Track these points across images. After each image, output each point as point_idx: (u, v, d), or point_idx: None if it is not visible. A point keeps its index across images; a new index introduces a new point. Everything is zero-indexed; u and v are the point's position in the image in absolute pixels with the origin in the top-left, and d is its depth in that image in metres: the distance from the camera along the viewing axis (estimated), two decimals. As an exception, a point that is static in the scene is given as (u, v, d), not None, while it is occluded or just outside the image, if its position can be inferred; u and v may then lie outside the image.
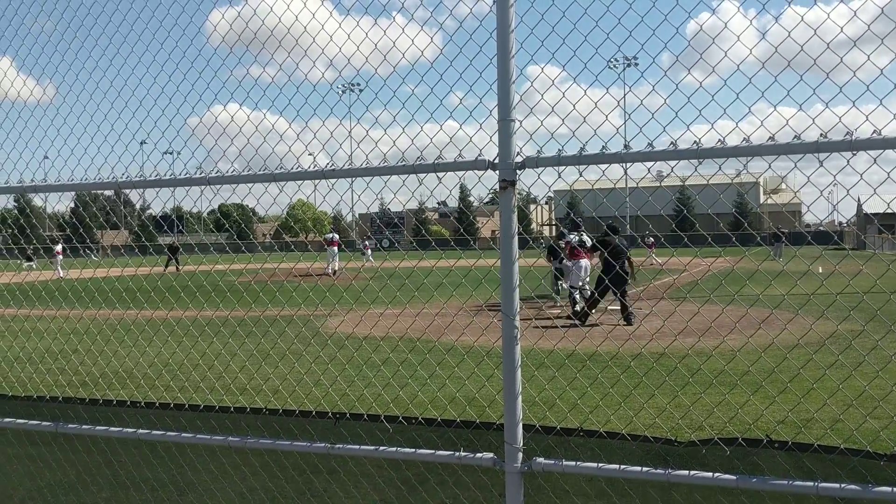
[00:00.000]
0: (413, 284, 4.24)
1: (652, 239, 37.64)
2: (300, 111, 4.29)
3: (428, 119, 4.00)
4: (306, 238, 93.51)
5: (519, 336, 3.47)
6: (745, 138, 3.10)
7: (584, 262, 16.68)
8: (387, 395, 7.19)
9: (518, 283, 3.47)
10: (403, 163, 3.72)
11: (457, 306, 13.55)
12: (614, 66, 4.45)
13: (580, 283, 16.53)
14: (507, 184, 3.45)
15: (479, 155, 3.52)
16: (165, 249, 41.79)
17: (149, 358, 9.69)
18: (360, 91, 4.99)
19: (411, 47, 3.86)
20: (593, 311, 15.25)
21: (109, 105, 4.58)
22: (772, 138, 3.05)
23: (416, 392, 7.52)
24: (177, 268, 34.57)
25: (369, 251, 41.19)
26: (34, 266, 36.68)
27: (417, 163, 3.65)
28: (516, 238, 3.46)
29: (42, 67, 4.85)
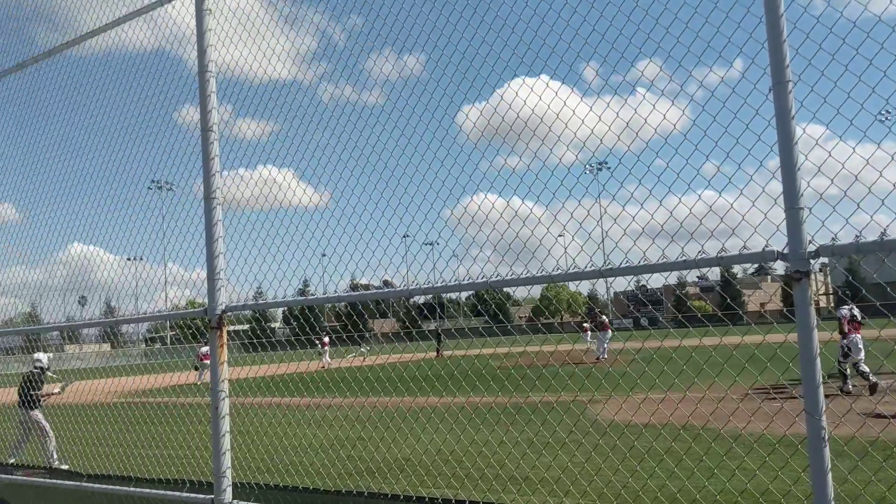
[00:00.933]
0: (684, 366, 4.10)
1: None
2: (548, 194, 4.38)
3: (684, 191, 3.93)
4: (561, 320, 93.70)
5: (827, 437, 3.24)
6: None
7: (858, 335, 16.10)
8: (672, 486, 6.91)
9: (821, 379, 3.25)
10: (683, 256, 3.67)
11: (740, 390, 12.80)
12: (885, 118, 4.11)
13: (859, 358, 15.85)
14: (801, 275, 3.29)
15: (767, 245, 3.40)
16: (433, 335, 43.51)
17: (434, 446, 10.10)
18: (608, 169, 5.04)
19: (659, 124, 3.88)
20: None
21: (376, 203, 5.08)
22: None
23: (703, 483, 7.16)
24: (439, 352, 35.79)
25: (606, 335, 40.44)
26: (365, 352, 38.93)
27: (700, 257, 3.59)
28: (816, 331, 3.27)
29: (318, 176, 5.49)
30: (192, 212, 6.46)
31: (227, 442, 5.32)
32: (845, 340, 15.90)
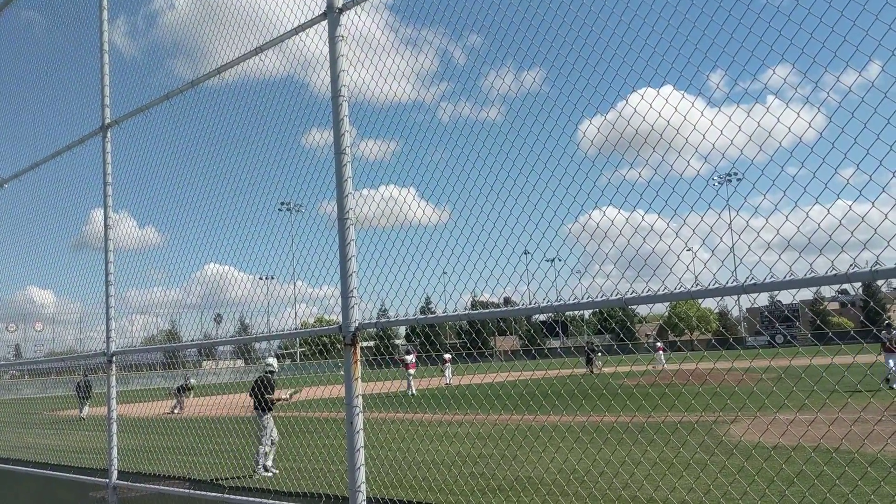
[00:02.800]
0: (817, 386, 3.87)
1: None
2: (672, 205, 4.24)
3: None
4: (692, 336, 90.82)
5: None
6: None
7: None
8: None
9: None
10: (833, 270, 3.48)
11: (877, 411, 12.06)
12: None
13: None
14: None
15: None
16: (582, 354, 43.05)
17: (557, 464, 9.99)
18: (739, 180, 4.86)
19: (791, 131, 3.70)
20: None
21: (496, 218, 5.07)
22: None
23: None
24: (591, 370, 35.39)
25: (662, 353, 38.85)
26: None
27: (851, 271, 3.38)
28: None
29: (439, 192, 5.53)
30: (320, 231, 6.69)
31: (361, 457, 5.42)
32: None
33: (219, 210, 7.69)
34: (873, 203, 3.45)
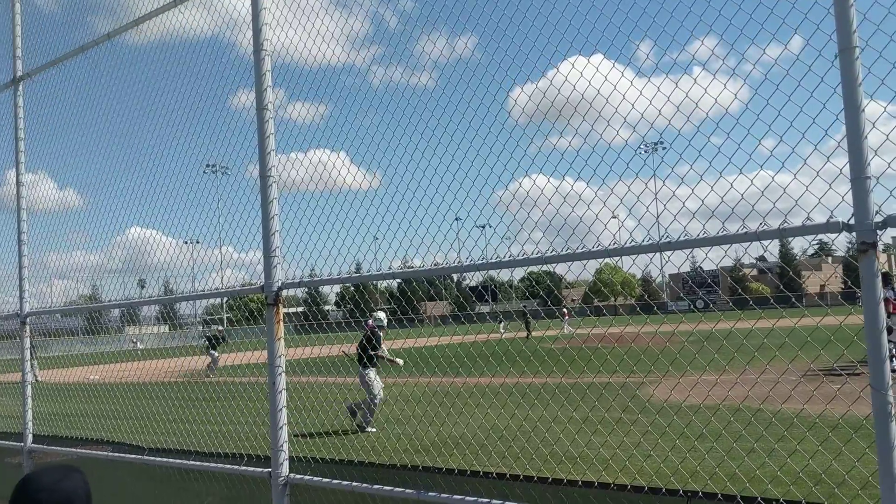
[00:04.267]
0: (747, 346, 4.03)
1: None
2: (600, 174, 4.32)
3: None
4: (615, 301, 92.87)
5: (894, 411, 3.15)
6: None
7: None
8: (732, 465, 6.80)
9: (888, 352, 3.17)
10: (744, 228, 3.60)
11: (801, 370, 12.53)
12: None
13: None
14: (868, 246, 3.19)
15: (831, 217, 3.30)
16: (519, 318, 43.41)
17: (484, 427, 10.14)
18: (663, 149, 4.96)
19: (715, 101, 3.80)
20: None
21: (427, 185, 5.07)
22: None
23: (762, 462, 7.04)
24: (528, 334, 35.77)
25: (566, 319, 39.99)
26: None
27: (761, 229, 3.51)
28: (882, 304, 3.18)
29: (370, 157, 5.51)
30: (246, 194, 6.57)
31: (283, 416, 5.40)
32: (889, 320, 16.34)
33: (142, 172, 7.47)
34: (795, 175, 3.59)
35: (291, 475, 5.44)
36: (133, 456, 7.05)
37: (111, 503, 7.32)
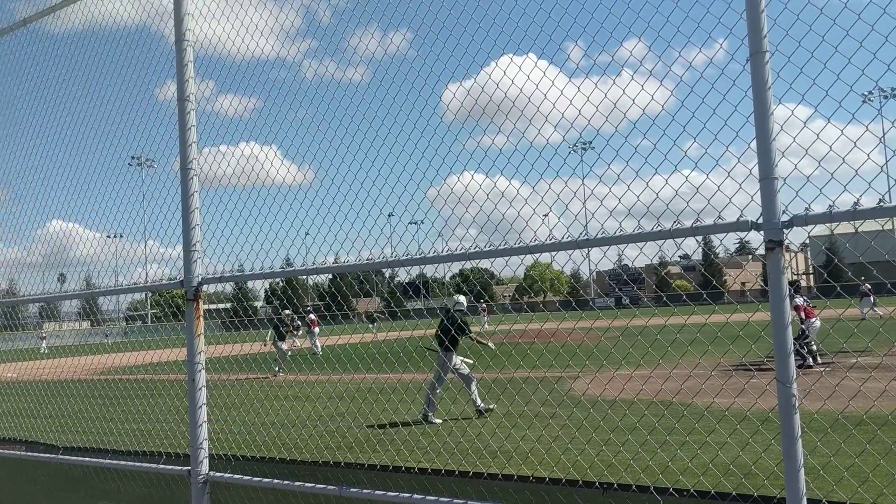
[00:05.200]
0: (661, 342, 4.13)
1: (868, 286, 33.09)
2: (532, 173, 4.38)
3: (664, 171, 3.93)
4: (544, 298, 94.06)
5: (797, 404, 3.27)
6: None
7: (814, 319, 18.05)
8: (646, 457, 6.98)
9: (791, 348, 3.29)
10: (659, 226, 3.69)
11: (714, 365, 12.98)
12: (869, 100, 4.13)
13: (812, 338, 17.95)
14: (774, 244, 3.30)
15: (741, 216, 3.41)
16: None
17: (409, 420, 10.16)
18: (592, 149, 5.06)
19: (643, 103, 3.88)
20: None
21: (359, 180, 5.05)
22: None
23: (674, 453, 7.23)
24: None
25: (486, 317, 40.54)
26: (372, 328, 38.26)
27: (675, 227, 3.60)
28: (788, 301, 3.29)
29: (301, 152, 5.44)
30: (172, 188, 6.41)
31: (203, 414, 5.30)
32: (804, 325, 17.58)
33: (65, 164, 7.22)
34: (707, 175, 3.69)
35: (211, 473, 5.35)
36: (47, 455, 6.83)
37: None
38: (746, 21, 3.44)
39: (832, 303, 3.63)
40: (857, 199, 3.22)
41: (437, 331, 13.08)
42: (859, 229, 3.61)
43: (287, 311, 25.92)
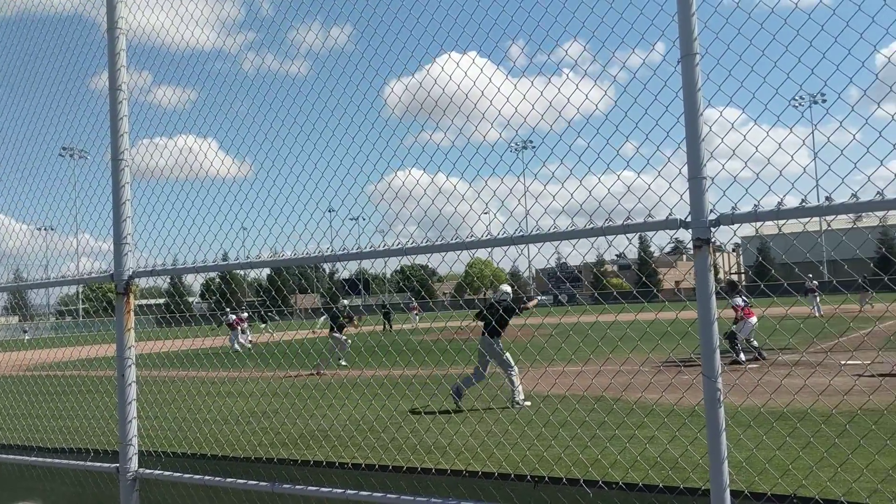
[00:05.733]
0: (599, 339, 4.21)
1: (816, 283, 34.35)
2: (474, 170, 4.41)
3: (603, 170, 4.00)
4: (485, 295, 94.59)
5: (722, 398, 3.36)
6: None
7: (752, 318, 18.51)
8: (584, 457, 7.08)
9: (718, 343, 3.38)
10: (591, 224, 3.75)
11: (647, 361, 13.25)
12: (798, 104, 4.28)
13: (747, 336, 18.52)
14: (702, 242, 3.39)
15: (670, 214, 3.49)
16: (380, 311, 42.73)
17: (353, 419, 10.11)
18: (533, 147, 5.14)
19: (582, 103, 3.94)
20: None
21: (301, 175, 5.01)
22: None
23: (614, 455, 7.35)
24: (389, 328, 35.29)
25: (416, 313, 40.81)
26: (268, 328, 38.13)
27: (606, 225, 3.67)
28: (714, 297, 3.38)
29: (241, 146, 5.38)
30: (104, 180, 6.25)
31: (133, 410, 5.20)
32: (736, 325, 18.05)
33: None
34: (639, 174, 3.76)
35: (140, 470, 5.25)
36: (-33, 454, 6.60)
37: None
38: (678, 23, 3.51)
39: (765, 301, 3.74)
40: (781, 200, 3.33)
41: (478, 319, 13.10)
42: (790, 230, 3.72)
43: (345, 302, 26.04)
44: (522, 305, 13.44)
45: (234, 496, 5.08)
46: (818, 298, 33.87)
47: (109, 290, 6.13)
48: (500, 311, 12.35)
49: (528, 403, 12.28)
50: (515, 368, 12.79)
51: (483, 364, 12.84)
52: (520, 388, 12.53)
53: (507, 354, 12.90)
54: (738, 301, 18.39)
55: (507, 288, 14.11)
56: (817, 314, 31.85)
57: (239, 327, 33.58)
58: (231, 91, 5.51)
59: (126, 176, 5.29)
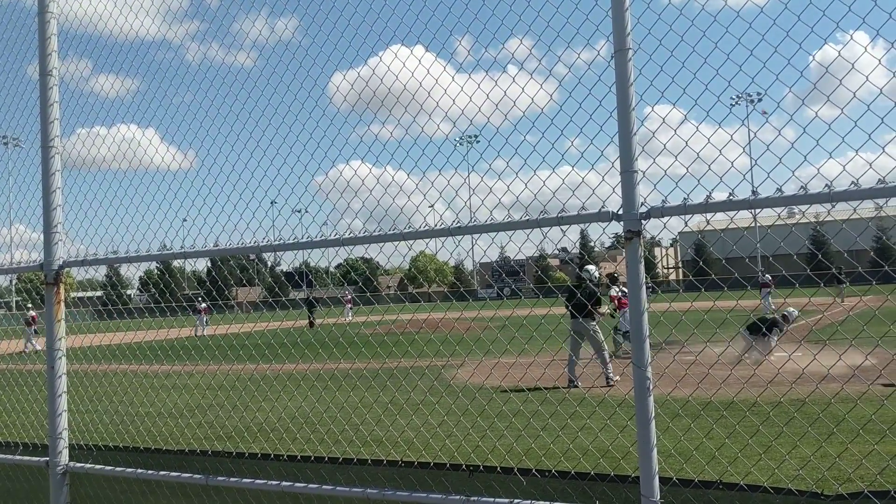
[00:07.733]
0: (541, 334, 4.27)
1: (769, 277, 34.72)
2: (419, 164, 4.43)
3: (537, 164, 4.06)
4: (429, 289, 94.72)
5: (651, 387, 3.45)
6: (880, 179, 3.01)
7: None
8: (519, 447, 7.18)
9: (648, 333, 3.46)
10: (527, 216, 3.80)
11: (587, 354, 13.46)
12: (736, 103, 4.39)
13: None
14: (633, 234, 3.46)
15: (603, 207, 3.55)
16: (304, 304, 42.34)
17: (289, 412, 10.05)
18: (478, 143, 5.19)
19: (527, 100, 3.99)
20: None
21: (243, 168, 4.95)
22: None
23: (548, 444, 7.48)
24: (311, 322, 35.11)
25: (349, 307, 40.90)
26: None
27: (541, 217, 3.72)
28: (644, 288, 3.46)
29: (182, 136, 5.30)
30: (38, 168, 6.08)
31: (63, 403, 5.09)
32: (617, 314, 18.29)
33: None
34: (573, 167, 3.83)
35: (71, 464, 5.14)
36: None
37: None
38: (612, 18, 3.58)
39: (704, 295, 3.83)
40: (710, 193, 3.42)
41: (571, 301, 13.17)
42: (722, 226, 3.83)
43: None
44: (599, 309, 13.66)
45: (168, 490, 5.02)
46: (771, 294, 33.92)
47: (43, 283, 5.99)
48: (588, 293, 12.70)
49: (618, 378, 12.59)
50: (605, 348, 13.15)
51: (576, 348, 13.03)
52: (610, 365, 12.86)
53: (601, 334, 13.19)
54: (613, 291, 18.58)
55: (591, 267, 14.28)
56: (766, 312, 31.88)
57: (206, 316, 35.17)
58: (174, 82, 5.42)
59: (57, 163, 5.16)
